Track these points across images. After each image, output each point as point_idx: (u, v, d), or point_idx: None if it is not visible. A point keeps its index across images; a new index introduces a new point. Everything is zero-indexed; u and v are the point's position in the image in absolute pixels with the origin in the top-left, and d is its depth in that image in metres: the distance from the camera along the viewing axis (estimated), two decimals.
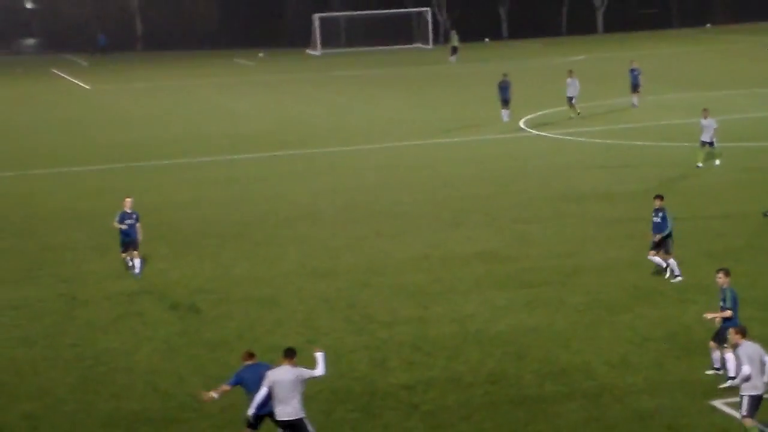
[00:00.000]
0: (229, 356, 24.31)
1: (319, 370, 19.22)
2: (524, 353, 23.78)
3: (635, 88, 61.28)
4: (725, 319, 21.56)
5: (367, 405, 21.30)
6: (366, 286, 29.40)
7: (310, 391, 21.95)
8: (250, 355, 19.59)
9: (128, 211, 31.27)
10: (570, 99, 58.43)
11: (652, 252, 28.80)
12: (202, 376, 23.21)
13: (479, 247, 32.81)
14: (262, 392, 18.71)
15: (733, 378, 20.78)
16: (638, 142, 50.30)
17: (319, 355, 19.33)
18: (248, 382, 19.25)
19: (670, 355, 23.19)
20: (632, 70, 61.40)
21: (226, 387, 19.47)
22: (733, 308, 21.67)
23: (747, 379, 18.52)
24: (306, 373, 19.03)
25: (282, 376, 18.77)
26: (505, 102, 58.52)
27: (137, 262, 31.11)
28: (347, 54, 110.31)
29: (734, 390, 20.89)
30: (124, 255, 31.34)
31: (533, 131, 55.31)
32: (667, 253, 28.65)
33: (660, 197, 29.11)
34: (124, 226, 31.14)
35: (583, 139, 52.19)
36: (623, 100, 62.35)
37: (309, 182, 44.79)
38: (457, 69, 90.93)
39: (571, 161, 46.63)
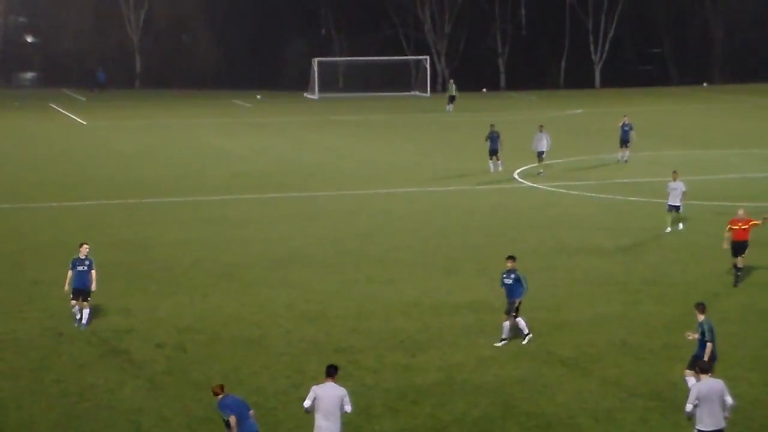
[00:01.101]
0: (213, 398, 24.15)
1: (350, 407, 19.80)
2: (510, 404, 23.70)
3: (624, 143, 61.32)
4: (699, 351, 23.28)
5: None
6: (354, 332, 29.34)
7: None
8: (221, 388, 20.15)
9: (81, 257, 29.85)
10: (540, 154, 57.32)
11: (505, 317, 27.97)
12: (186, 417, 23.09)
13: (470, 297, 32.78)
14: (306, 404, 19.50)
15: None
16: (631, 198, 50.43)
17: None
18: (235, 410, 19.86)
19: (656, 412, 23.13)
20: (623, 125, 61.48)
21: (232, 419, 19.76)
22: (711, 339, 23.29)
23: (689, 417, 19.65)
24: (347, 397, 19.64)
25: (327, 392, 19.53)
26: (494, 152, 58.65)
27: (86, 312, 29.61)
28: (345, 99, 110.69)
29: None
30: (73, 303, 29.72)
31: (527, 182, 55.43)
32: (515, 316, 27.86)
33: (512, 258, 28.16)
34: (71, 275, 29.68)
35: (576, 193, 52.31)
36: (618, 155, 62.54)
37: (302, 225, 44.79)
38: (454, 118, 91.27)
39: (563, 214, 46.71)
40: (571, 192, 52.54)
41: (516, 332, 28.05)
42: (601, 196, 51.32)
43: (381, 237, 42.27)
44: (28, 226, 45.32)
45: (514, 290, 27.88)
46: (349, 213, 47.81)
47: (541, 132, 57.44)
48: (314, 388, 19.79)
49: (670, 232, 41.75)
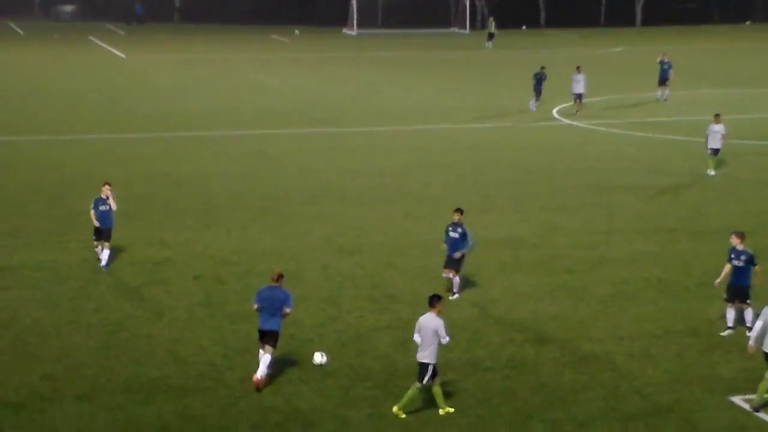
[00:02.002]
0: (251, 329, 24.38)
1: (446, 338, 20.17)
2: (545, 340, 23.76)
3: (663, 81, 60.68)
4: (736, 279, 23.75)
5: (385, 383, 21.35)
6: (391, 266, 29.43)
7: (330, 367, 22.07)
8: (276, 277, 21.65)
9: (103, 197, 29.17)
10: (578, 96, 56.12)
11: (446, 270, 26.66)
12: (223, 347, 23.32)
13: (506, 233, 32.78)
14: (415, 337, 20.05)
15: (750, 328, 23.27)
16: (670, 137, 50.07)
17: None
18: (264, 302, 21.38)
19: (692, 350, 23.12)
20: (661, 62, 60.78)
21: (255, 306, 21.44)
22: (748, 264, 23.90)
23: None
24: (443, 328, 20.03)
25: (427, 322, 19.95)
26: (538, 93, 58.21)
27: (105, 253, 29.05)
28: (383, 35, 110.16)
29: (754, 386, 20.87)
30: (96, 243, 29.28)
31: (565, 120, 55.12)
32: (457, 271, 26.60)
33: (459, 211, 26.63)
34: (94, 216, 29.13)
35: (614, 131, 51.99)
36: (657, 93, 61.99)
37: (339, 160, 44.81)
38: (493, 55, 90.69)
39: (601, 152, 46.47)
40: (609, 130, 52.22)
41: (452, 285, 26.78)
42: (639, 134, 50.97)
43: (416, 173, 42.23)
44: (68, 158, 45.59)
45: (459, 244, 26.44)
46: (385, 149, 47.76)
47: (579, 73, 56.31)
48: (420, 319, 20.19)
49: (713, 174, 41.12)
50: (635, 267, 29.27)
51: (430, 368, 19.99)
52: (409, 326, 24.49)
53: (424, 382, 20.01)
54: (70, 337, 24.03)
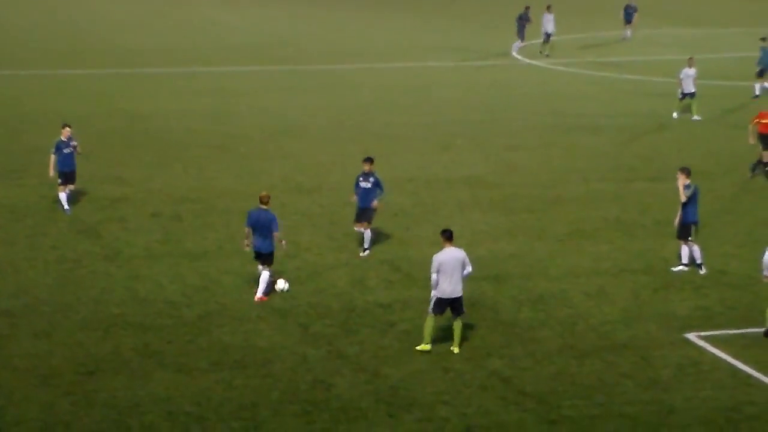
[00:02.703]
0: (209, 266, 24.41)
1: (470, 267, 20.11)
2: (503, 279, 23.92)
3: (629, 19, 60.93)
4: (685, 216, 23.99)
5: (344, 321, 21.44)
6: (349, 205, 29.36)
7: (288, 304, 22.15)
8: (262, 198, 22.47)
9: (64, 139, 28.32)
10: (547, 36, 55.51)
11: (358, 224, 25.44)
12: (181, 284, 23.31)
13: (465, 172, 32.85)
14: (434, 277, 19.79)
15: (700, 265, 24.05)
16: (629, 76, 50.19)
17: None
18: (254, 224, 22.25)
19: (647, 288, 23.36)
20: (627, 7, 60.91)
21: (246, 229, 22.31)
22: (690, 200, 23.96)
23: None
24: (467, 258, 19.99)
25: (448, 256, 19.80)
26: (522, 35, 56.21)
27: (64, 196, 28.23)
28: None
29: (708, 323, 21.17)
30: (61, 188, 28.29)
31: (525, 60, 55.08)
32: (369, 223, 25.32)
33: (370, 160, 25.40)
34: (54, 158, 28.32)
35: (574, 70, 52.04)
36: (617, 33, 62.05)
37: (299, 99, 44.64)
38: None
39: (561, 92, 46.54)
40: (569, 70, 52.26)
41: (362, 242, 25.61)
42: (598, 74, 51.05)
43: (377, 112, 42.16)
44: (24, 94, 45.11)
45: (371, 194, 25.17)
46: (346, 87, 47.60)
47: (549, 13, 55.58)
48: (435, 257, 19.96)
49: (677, 117, 40.77)
50: (593, 206, 29.45)
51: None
52: (367, 264, 24.64)
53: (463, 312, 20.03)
54: (27, 274, 23.93)
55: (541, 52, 55.86)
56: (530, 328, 21.15)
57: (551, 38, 56.06)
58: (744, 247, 25.90)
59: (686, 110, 41.09)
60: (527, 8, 57.10)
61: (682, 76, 40.82)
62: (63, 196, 28.38)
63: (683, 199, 24.02)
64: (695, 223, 24.23)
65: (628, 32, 60.95)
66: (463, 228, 27.42)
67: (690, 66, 40.83)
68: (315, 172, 32.74)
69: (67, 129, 28.80)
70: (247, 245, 22.72)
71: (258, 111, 42.05)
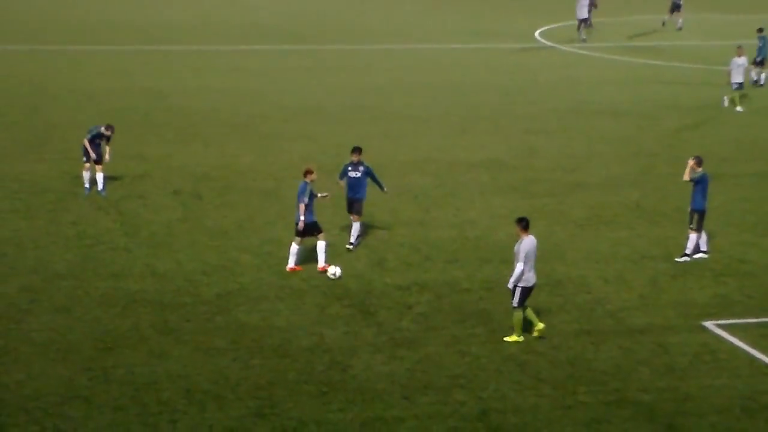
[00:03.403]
0: (228, 245, 24.47)
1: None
2: None
3: (676, 8, 59.21)
4: (692, 202, 24.05)
5: (362, 303, 21.47)
6: (369, 185, 29.38)
7: (307, 285, 22.19)
8: (306, 172, 23.01)
9: (105, 133, 28.13)
10: (585, 21, 55.14)
11: (354, 216, 24.58)
12: (201, 263, 23.37)
13: (485, 155, 32.81)
14: (519, 268, 19.58)
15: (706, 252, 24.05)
16: (653, 62, 49.98)
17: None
18: (298, 193, 22.89)
19: (666, 275, 23.31)
20: None
21: (300, 206, 22.93)
22: (698, 187, 24.02)
23: None
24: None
25: (531, 245, 19.74)
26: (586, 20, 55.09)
27: (100, 176, 27.94)
28: None
29: (726, 311, 21.10)
30: (87, 166, 27.98)
31: (548, 43, 54.90)
32: (359, 215, 24.63)
33: (358, 150, 24.63)
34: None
35: (597, 55, 51.84)
36: (642, 18, 61.73)
37: (319, 78, 44.61)
38: None
39: (583, 76, 46.39)
40: (592, 54, 52.06)
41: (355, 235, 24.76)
42: (621, 58, 50.84)
43: (398, 93, 42.11)
44: (44, 69, 45.21)
45: (361, 185, 24.46)
46: (367, 67, 47.55)
47: None
48: (520, 247, 19.63)
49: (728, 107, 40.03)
50: (613, 191, 29.38)
51: None
52: (386, 246, 24.64)
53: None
54: (47, 250, 24.03)
55: (580, 39, 54.92)
56: (547, 312, 21.12)
57: (588, 23, 55.32)
58: (764, 236, 25.82)
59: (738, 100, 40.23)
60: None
61: (731, 66, 39.94)
62: (86, 174, 28.18)
63: (686, 177, 24.04)
64: (698, 211, 24.04)
65: (679, 20, 59.24)
66: (483, 211, 27.43)
67: (739, 55, 40.01)
68: (335, 152, 32.70)
69: (109, 129, 28.23)
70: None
71: (278, 90, 42.05)
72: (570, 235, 25.76)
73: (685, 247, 24.15)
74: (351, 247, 24.48)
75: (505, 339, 19.76)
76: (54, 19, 59.55)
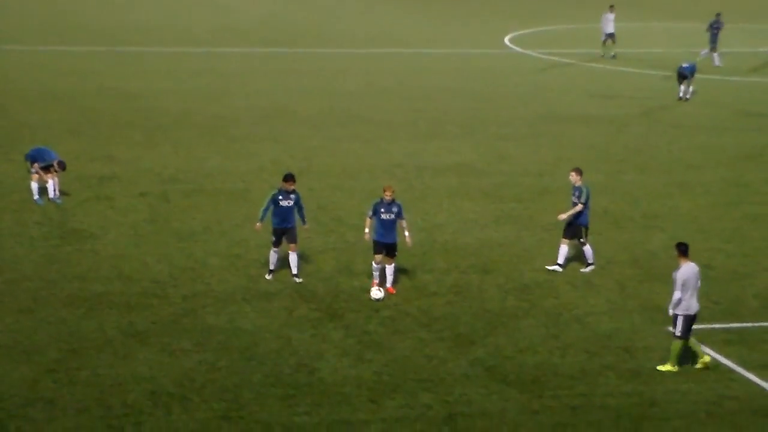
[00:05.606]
0: (195, 247, 24.36)
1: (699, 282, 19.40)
2: (489, 267, 23.90)
3: (714, 41, 52.35)
4: (577, 216, 23.51)
5: (329, 305, 21.42)
6: (338, 189, 29.41)
7: (274, 288, 22.12)
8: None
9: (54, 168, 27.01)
10: (611, 36, 52.35)
11: (285, 245, 22.46)
12: (168, 265, 23.25)
13: (454, 160, 32.84)
14: (677, 295, 18.92)
15: (592, 264, 23.64)
16: (621, 68, 50.17)
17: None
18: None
19: (633, 280, 23.38)
20: (713, 23, 52.39)
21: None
22: (586, 204, 23.53)
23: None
24: (699, 273, 19.29)
25: (690, 272, 19.05)
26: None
27: (49, 183, 27.26)
28: None
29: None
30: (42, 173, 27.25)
31: (518, 49, 55.04)
32: (296, 244, 22.39)
33: (291, 178, 22.49)
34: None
35: (567, 61, 52.01)
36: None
37: (289, 82, 44.56)
38: None
39: (553, 82, 46.52)
40: (561, 60, 52.22)
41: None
42: (590, 65, 51.02)
43: (368, 97, 42.11)
44: (13, 70, 44.93)
45: (292, 214, 22.55)
46: (337, 71, 47.52)
47: (610, 12, 52.18)
48: (678, 274, 18.92)
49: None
50: None
51: None
52: (354, 249, 24.57)
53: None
54: (12, 250, 23.85)
55: (603, 55, 52.65)
56: (514, 317, 21.15)
57: (613, 38, 52.59)
58: (731, 242, 25.94)
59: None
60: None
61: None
62: (50, 183, 27.35)
63: (574, 200, 23.59)
64: (585, 226, 23.84)
65: (715, 55, 52.17)
66: (452, 216, 27.44)
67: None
68: (304, 156, 32.68)
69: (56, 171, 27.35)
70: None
71: (249, 93, 41.97)
72: (538, 240, 25.80)
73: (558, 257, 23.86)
74: (299, 280, 22.49)
75: (658, 368, 19.09)
76: (22, 19, 59.21)
